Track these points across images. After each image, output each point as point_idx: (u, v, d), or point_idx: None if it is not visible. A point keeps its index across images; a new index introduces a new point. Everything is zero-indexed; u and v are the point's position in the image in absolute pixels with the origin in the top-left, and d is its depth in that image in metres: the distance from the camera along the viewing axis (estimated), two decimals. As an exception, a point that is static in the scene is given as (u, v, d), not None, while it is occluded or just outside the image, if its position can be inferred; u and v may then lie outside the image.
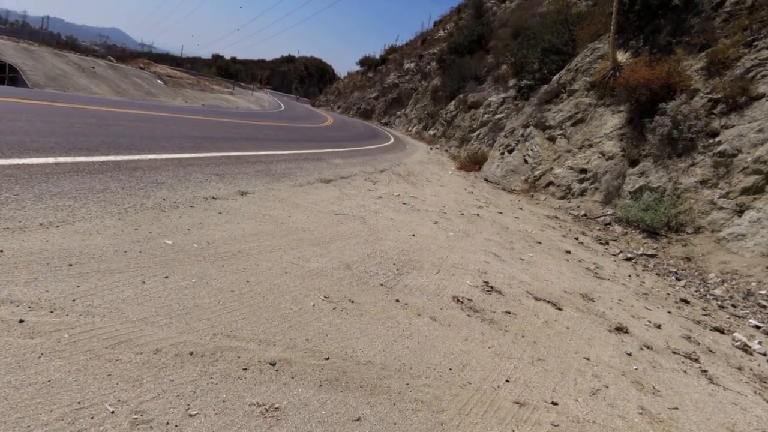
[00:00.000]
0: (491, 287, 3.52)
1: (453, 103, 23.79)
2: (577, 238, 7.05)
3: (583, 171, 9.93)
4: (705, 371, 3.02)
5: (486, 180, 11.68)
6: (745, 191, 7.24)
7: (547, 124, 11.35)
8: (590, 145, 10.17)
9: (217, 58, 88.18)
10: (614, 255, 6.57)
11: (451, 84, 25.15)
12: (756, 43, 8.39)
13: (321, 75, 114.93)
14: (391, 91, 41.44)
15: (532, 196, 10.50)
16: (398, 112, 37.16)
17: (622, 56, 10.34)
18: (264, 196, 4.54)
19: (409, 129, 30.57)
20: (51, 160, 3.92)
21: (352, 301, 2.63)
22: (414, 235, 4.51)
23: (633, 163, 9.26)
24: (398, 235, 4.37)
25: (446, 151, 20.85)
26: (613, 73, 10.23)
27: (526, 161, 11.44)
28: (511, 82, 19.45)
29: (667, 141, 8.66)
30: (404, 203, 6.07)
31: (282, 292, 2.54)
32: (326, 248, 3.46)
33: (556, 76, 12.39)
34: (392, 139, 20.10)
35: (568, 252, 5.83)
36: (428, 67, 37.44)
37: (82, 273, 2.20)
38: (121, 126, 6.89)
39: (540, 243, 5.93)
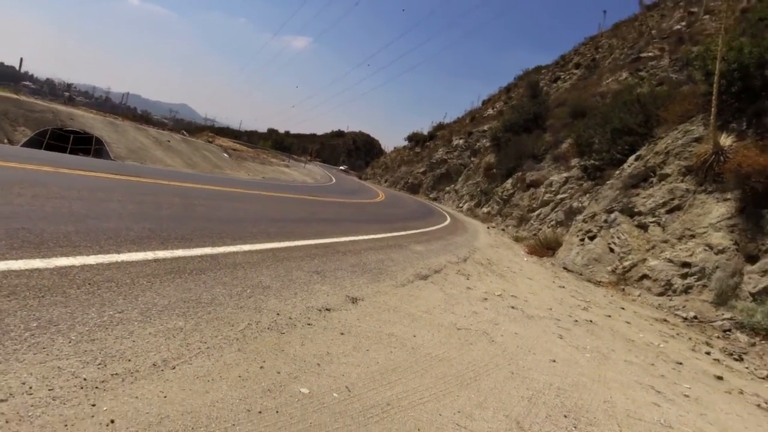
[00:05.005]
0: (696, 455, 2.62)
1: (510, 181, 23.28)
2: (708, 353, 5.96)
3: (686, 265, 8.86)
4: None
5: (565, 268, 10.72)
6: None
7: (636, 210, 10.47)
8: (692, 236, 9.17)
9: (272, 132, 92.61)
10: (763, 378, 5.43)
11: (507, 161, 24.80)
12: None
13: (368, 149, 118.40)
14: (439, 167, 41.57)
15: (623, 290, 9.43)
16: (447, 188, 36.96)
17: (725, 140, 9.54)
18: (376, 304, 3.90)
19: (460, 205, 30.08)
20: (150, 255, 3.46)
21: None
22: (554, 361, 3.69)
23: (751, 259, 8.16)
24: (538, 362, 3.58)
25: (503, 230, 20.05)
26: (716, 158, 9.40)
27: (612, 250, 10.47)
28: (574, 161, 18.85)
29: (797, 238, 7.62)
30: (512, 307, 5.29)
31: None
32: (478, 391, 2.72)
33: (639, 160, 11.67)
34: (449, 218, 19.54)
35: (720, 378, 4.80)
36: (478, 143, 37.62)
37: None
38: (205, 206, 6.64)
39: (681, 364, 4.95)
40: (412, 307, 4.14)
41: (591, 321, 5.76)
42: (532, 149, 23.00)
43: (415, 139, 55.15)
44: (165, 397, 1.84)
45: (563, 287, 8.05)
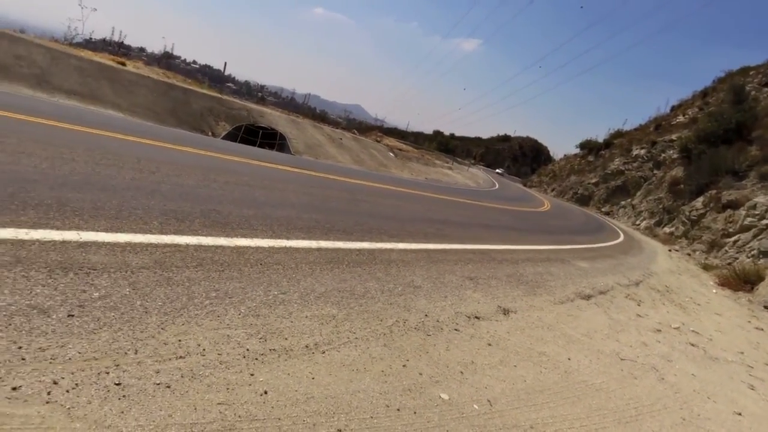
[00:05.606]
0: None
1: (701, 199, 19.85)
2: None
3: None
4: None
5: (767, 308, 8.70)
6: None
7: None
8: None
9: (437, 134, 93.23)
10: None
11: (699, 177, 21.23)
12: None
13: (535, 155, 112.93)
14: (614, 178, 37.57)
15: None
16: (623, 202, 33.20)
17: None
18: (529, 319, 3.64)
19: (637, 223, 26.70)
20: (314, 244, 3.75)
21: None
22: (740, 414, 3.02)
23: None
24: (719, 412, 2.95)
25: (689, 255, 17.17)
26: None
27: None
28: (794, 181, 15.24)
29: None
30: (692, 344, 4.46)
31: None
32: (644, 437, 2.31)
33: None
34: (622, 235, 17.47)
35: None
36: (663, 155, 33.01)
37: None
38: (367, 203, 7.08)
39: None
40: (569, 327, 3.75)
41: (803, 378, 4.55)
42: (732, 164, 19.35)
43: (587, 146, 50.78)
44: (313, 378, 1.94)
45: (762, 330, 6.55)
